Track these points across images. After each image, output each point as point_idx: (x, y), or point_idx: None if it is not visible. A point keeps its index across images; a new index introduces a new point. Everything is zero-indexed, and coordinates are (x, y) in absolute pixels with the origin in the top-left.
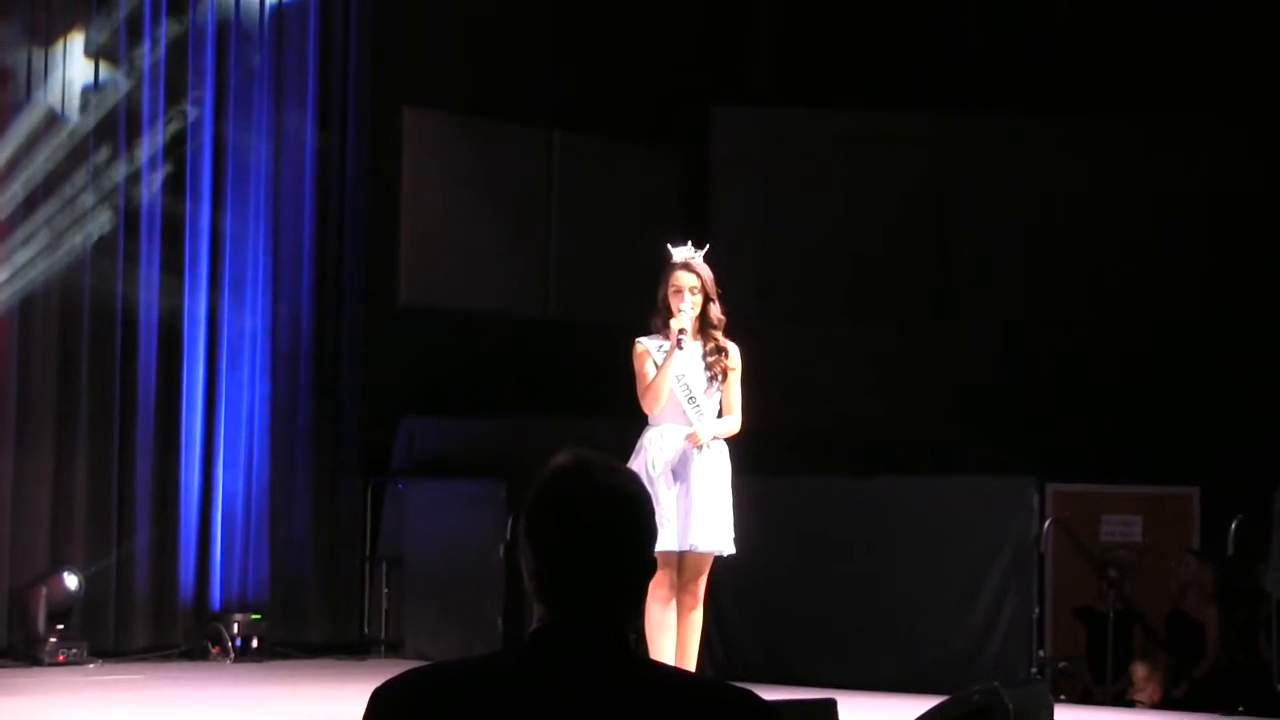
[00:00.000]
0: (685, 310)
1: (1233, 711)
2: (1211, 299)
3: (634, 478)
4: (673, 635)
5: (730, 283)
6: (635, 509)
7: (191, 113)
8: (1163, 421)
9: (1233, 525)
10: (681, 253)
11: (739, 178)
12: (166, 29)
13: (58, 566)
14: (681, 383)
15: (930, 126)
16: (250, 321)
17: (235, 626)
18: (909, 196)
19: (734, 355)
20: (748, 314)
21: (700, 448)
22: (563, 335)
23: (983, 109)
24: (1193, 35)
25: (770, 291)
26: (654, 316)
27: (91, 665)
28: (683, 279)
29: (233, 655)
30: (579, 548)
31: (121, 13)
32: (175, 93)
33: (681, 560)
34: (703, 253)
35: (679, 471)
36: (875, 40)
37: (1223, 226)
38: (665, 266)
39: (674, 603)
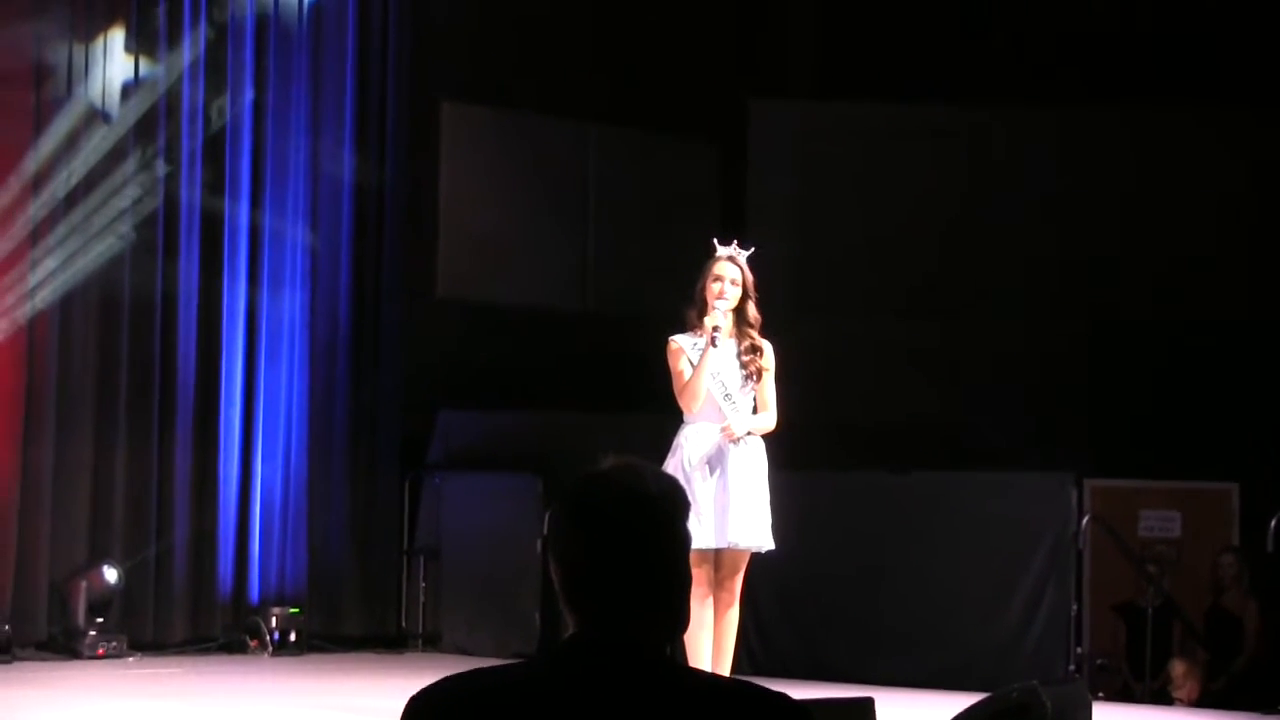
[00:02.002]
0: (720, 306)
1: (1272, 709)
2: (1253, 294)
3: (665, 483)
4: (709, 632)
5: (766, 276)
6: (661, 517)
7: (231, 108)
8: (1202, 417)
9: (1273, 522)
10: (727, 249)
11: (776, 172)
12: (206, 25)
13: (97, 560)
14: (717, 380)
15: (967, 121)
16: (288, 315)
17: (273, 620)
18: (945, 190)
19: (769, 354)
20: (783, 308)
21: (736, 441)
22: (600, 329)
23: (1019, 103)
24: (1232, 25)
25: (806, 285)
26: (690, 309)
27: (130, 658)
28: (724, 269)
29: (270, 649)
30: (601, 558)
31: (162, 9)
32: (215, 89)
33: (719, 557)
34: (749, 253)
35: (715, 467)
36: (912, 34)
37: (1265, 221)
38: (709, 260)
39: (710, 600)
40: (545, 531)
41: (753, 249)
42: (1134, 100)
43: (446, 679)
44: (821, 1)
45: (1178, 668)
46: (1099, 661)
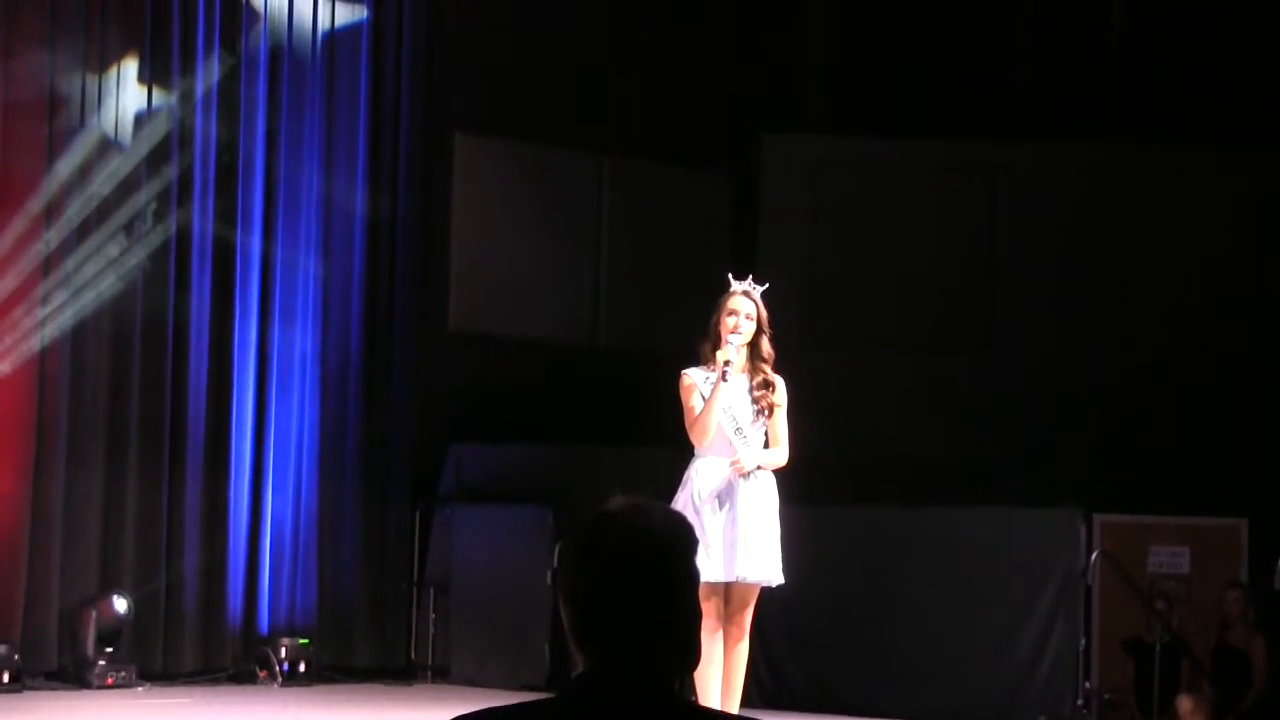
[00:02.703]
0: (734, 340)
1: None
2: (1264, 330)
3: (673, 521)
4: (718, 666)
5: (777, 310)
6: (669, 554)
7: (243, 139)
8: (1212, 452)
9: (1279, 559)
10: (742, 284)
11: (787, 206)
12: (220, 56)
13: (107, 589)
14: (728, 414)
15: (979, 156)
16: (300, 347)
17: (283, 650)
18: (957, 226)
19: (781, 390)
20: (794, 341)
21: (746, 476)
22: (611, 363)
23: (1033, 138)
24: (1250, 64)
25: (817, 319)
26: (703, 343)
27: (140, 688)
28: (739, 304)
29: (280, 679)
30: (609, 597)
31: (175, 40)
32: (228, 119)
33: (729, 591)
34: (763, 288)
35: (725, 501)
36: (926, 69)
37: (1274, 255)
38: (724, 294)
39: (720, 633)
40: (555, 565)
41: (767, 285)
42: (1149, 135)
43: (455, 719)
44: (835, 35)
45: (1184, 704)
46: (1106, 697)
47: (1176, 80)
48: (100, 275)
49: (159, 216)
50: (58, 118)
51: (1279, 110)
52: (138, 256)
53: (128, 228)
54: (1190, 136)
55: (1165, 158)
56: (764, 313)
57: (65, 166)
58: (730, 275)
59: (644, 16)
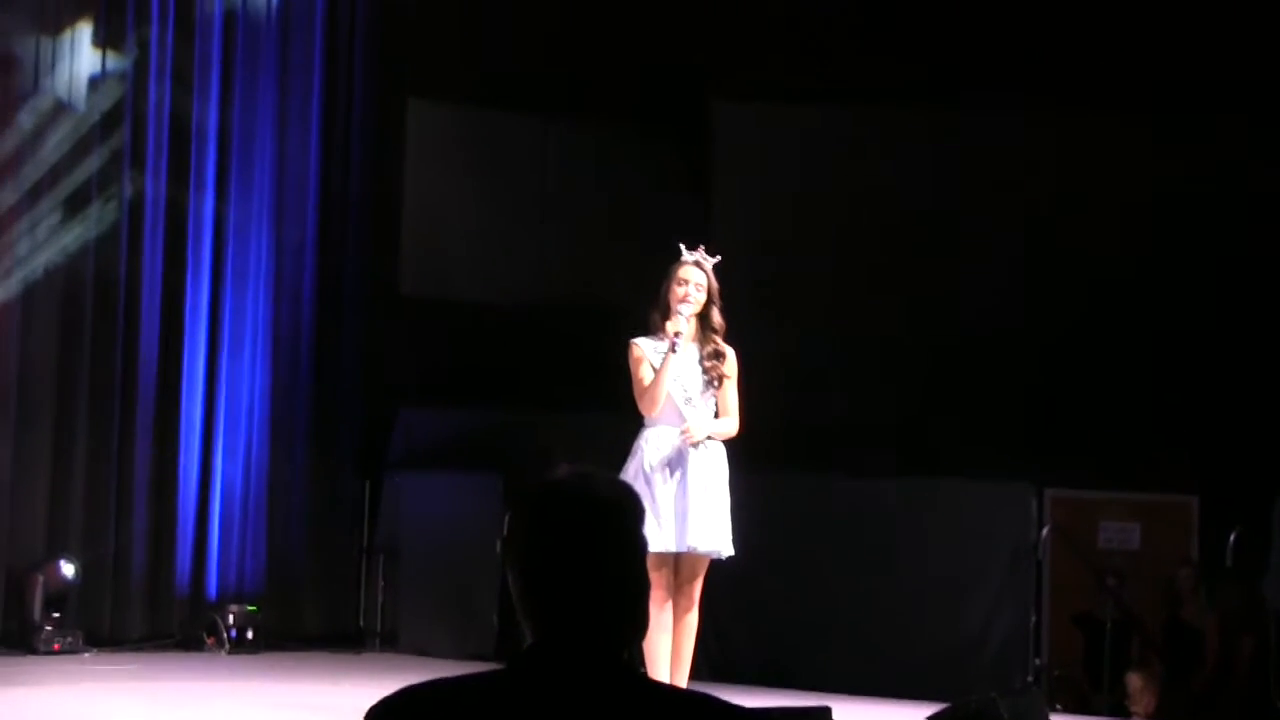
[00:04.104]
0: (684, 310)
1: None
2: (1214, 306)
3: (619, 490)
4: (668, 636)
5: (729, 277)
6: (615, 524)
7: (197, 103)
8: (1163, 429)
9: (1232, 536)
10: (693, 254)
11: (740, 172)
12: (175, 18)
13: (54, 554)
14: (678, 384)
15: (935, 122)
16: (251, 311)
17: (231, 617)
18: (911, 196)
19: (731, 360)
20: (746, 310)
21: (695, 445)
22: (562, 328)
23: (989, 108)
24: (1199, 31)
25: (769, 287)
26: (653, 311)
27: (86, 654)
28: (690, 274)
29: (228, 646)
30: (556, 568)
31: (129, 2)
32: (181, 82)
33: (678, 561)
34: (715, 260)
35: (675, 470)
36: (879, 36)
37: (1227, 231)
38: (674, 264)
39: (669, 604)
40: (504, 531)
41: (719, 258)
42: (1096, 105)
43: (404, 689)
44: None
45: (1135, 681)
46: (1057, 673)
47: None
48: (52, 238)
49: (111, 179)
50: (11, 80)
51: (1225, 78)
52: (89, 219)
53: (80, 190)
54: (1142, 106)
55: (1118, 128)
56: (715, 283)
57: (18, 129)
58: (681, 245)
59: None
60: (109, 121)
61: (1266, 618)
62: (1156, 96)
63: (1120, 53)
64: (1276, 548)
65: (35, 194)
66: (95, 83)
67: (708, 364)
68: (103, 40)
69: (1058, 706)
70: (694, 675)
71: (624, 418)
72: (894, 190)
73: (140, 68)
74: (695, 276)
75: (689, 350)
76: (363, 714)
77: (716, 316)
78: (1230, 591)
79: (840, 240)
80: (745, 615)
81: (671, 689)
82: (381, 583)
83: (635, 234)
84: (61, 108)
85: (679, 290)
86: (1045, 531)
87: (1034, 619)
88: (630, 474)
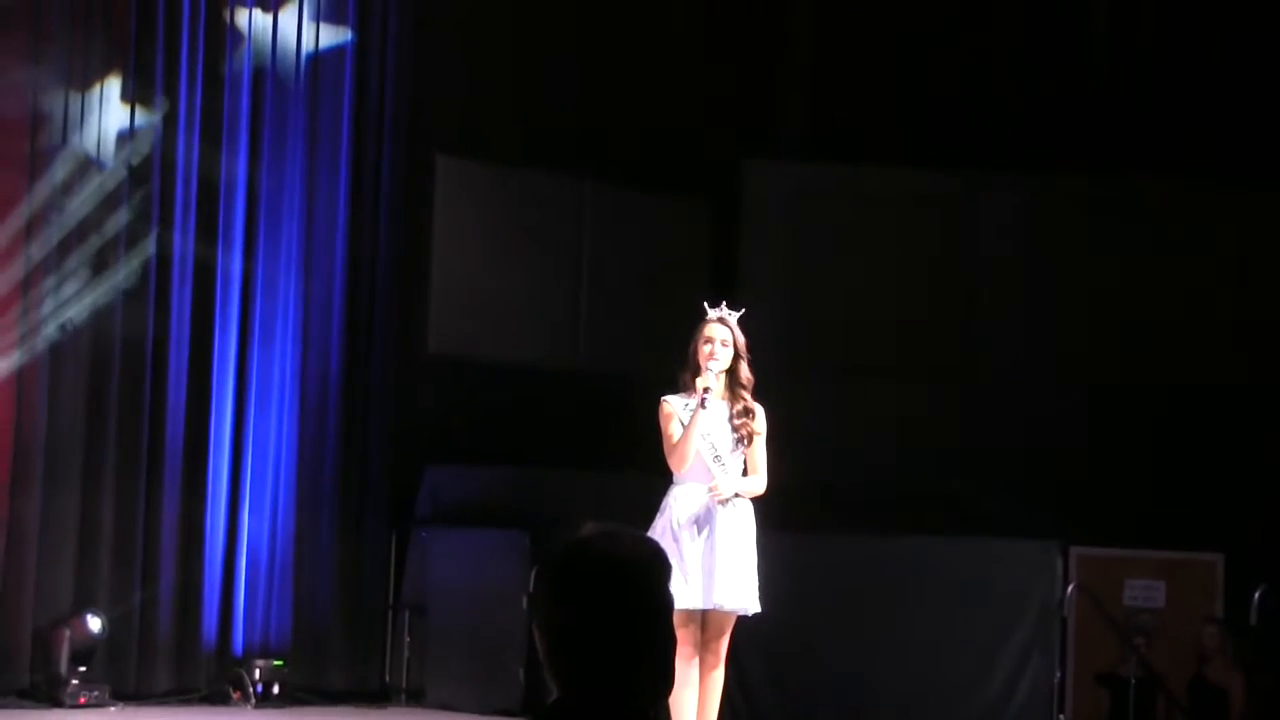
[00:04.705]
0: (712, 368)
1: None
2: (1241, 364)
3: (646, 548)
4: (694, 691)
5: (757, 337)
6: (641, 582)
7: (225, 159)
8: (1188, 487)
9: (1256, 594)
10: (717, 311)
11: (768, 233)
12: (204, 75)
13: (81, 608)
14: (707, 441)
15: (963, 185)
16: (279, 367)
17: (257, 672)
18: (939, 256)
19: (760, 418)
20: (774, 369)
21: (723, 503)
22: (590, 388)
23: (1015, 169)
24: (1229, 98)
25: (797, 347)
26: (683, 372)
27: (113, 708)
28: (715, 331)
29: (254, 701)
30: (583, 626)
31: (159, 59)
32: (210, 139)
33: (705, 618)
34: (739, 314)
35: (703, 528)
36: (908, 98)
37: (1253, 290)
38: (700, 323)
39: (696, 660)
40: (530, 589)
41: (743, 310)
42: (1124, 168)
43: None
44: (817, 63)
45: None
46: None
47: (1158, 112)
48: (80, 294)
49: (139, 235)
50: (39, 135)
51: (1255, 145)
52: (117, 275)
53: (108, 246)
54: (1169, 169)
55: (1146, 190)
56: (740, 338)
57: (47, 184)
58: (705, 303)
59: (621, 40)
60: (137, 177)
61: None
62: (1170, 161)
63: (1135, 117)
64: None
65: (63, 250)
66: (123, 139)
67: (737, 421)
68: (131, 96)
69: None
70: None
71: (652, 477)
72: (919, 251)
73: (169, 124)
74: (720, 334)
75: (719, 407)
76: None
77: (745, 371)
78: (1254, 650)
79: (866, 300)
80: (772, 672)
81: None
82: (408, 639)
83: (664, 295)
84: (89, 163)
85: (705, 348)
86: (1071, 589)
87: (1059, 676)
88: (658, 531)
